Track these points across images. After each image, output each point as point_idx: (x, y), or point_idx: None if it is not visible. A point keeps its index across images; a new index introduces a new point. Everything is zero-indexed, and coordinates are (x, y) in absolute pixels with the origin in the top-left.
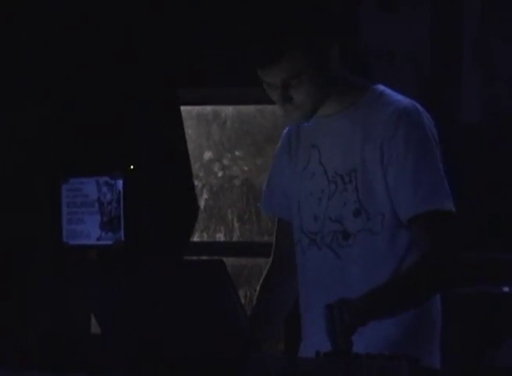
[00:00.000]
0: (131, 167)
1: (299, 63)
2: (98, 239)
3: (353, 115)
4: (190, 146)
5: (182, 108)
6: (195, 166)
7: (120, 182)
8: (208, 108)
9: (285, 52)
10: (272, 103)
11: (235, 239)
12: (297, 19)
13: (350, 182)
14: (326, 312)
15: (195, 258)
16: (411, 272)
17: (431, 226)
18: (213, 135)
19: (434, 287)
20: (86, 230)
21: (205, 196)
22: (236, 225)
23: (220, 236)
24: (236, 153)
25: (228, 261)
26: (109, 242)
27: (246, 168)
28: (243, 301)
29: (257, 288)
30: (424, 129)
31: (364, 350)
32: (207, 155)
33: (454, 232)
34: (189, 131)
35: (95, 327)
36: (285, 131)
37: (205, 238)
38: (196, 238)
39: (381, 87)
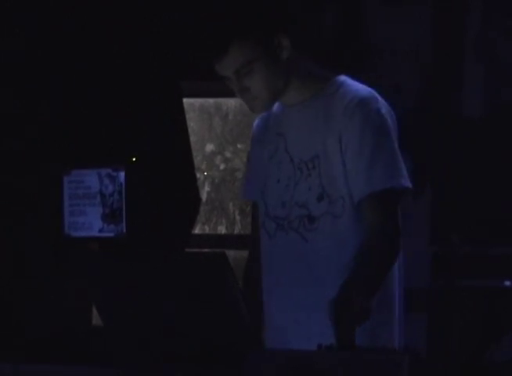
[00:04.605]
0: (133, 159)
1: (247, 53)
2: (100, 231)
3: (315, 105)
4: (192, 138)
5: (185, 100)
6: (197, 158)
7: (122, 175)
8: (210, 101)
9: (231, 42)
10: None
11: (236, 231)
12: (240, 9)
13: (313, 168)
14: (331, 308)
15: (196, 250)
16: (374, 248)
17: (386, 203)
18: (215, 128)
19: (394, 256)
20: (88, 222)
21: (207, 188)
22: (238, 217)
23: (221, 229)
24: (238, 145)
25: (230, 253)
26: (110, 234)
27: None
28: None
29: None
30: (381, 115)
31: (319, 322)
32: (209, 148)
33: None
34: (191, 123)
35: (96, 319)
36: (255, 122)
37: (207, 230)
38: (197, 230)
39: (343, 77)
